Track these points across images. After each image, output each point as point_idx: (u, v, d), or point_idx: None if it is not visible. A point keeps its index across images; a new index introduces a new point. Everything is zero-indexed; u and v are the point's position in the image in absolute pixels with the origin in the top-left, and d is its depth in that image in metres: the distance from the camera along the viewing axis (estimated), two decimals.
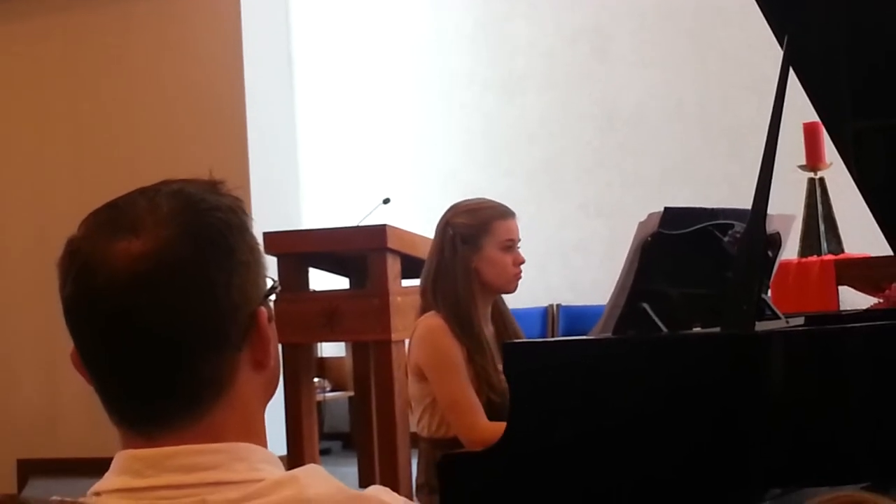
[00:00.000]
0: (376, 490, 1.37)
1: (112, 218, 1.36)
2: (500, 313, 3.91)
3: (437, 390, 3.70)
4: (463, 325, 3.72)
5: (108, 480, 1.34)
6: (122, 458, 1.35)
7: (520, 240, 3.89)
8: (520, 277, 3.86)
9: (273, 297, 1.42)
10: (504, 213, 3.87)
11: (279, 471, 1.34)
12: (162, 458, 1.32)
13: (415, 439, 3.90)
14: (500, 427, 3.12)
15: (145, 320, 1.30)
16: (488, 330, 3.83)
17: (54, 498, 1.33)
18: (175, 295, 1.31)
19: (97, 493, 1.34)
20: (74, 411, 8.24)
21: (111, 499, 1.32)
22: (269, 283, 1.42)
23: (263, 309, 1.39)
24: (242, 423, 1.36)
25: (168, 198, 1.35)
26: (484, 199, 3.96)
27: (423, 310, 3.84)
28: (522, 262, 3.86)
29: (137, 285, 1.30)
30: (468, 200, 3.96)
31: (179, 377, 1.32)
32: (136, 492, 1.31)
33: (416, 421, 3.82)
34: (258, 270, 1.39)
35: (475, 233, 3.80)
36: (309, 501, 1.29)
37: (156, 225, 1.32)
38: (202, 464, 1.31)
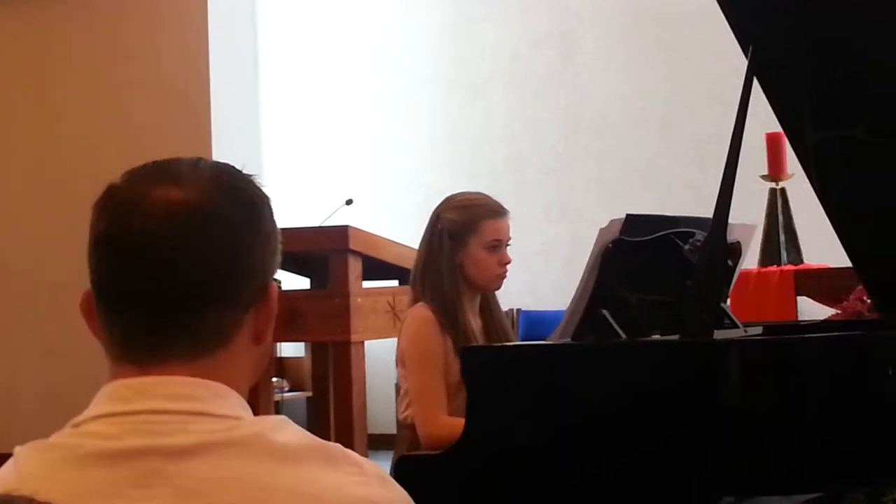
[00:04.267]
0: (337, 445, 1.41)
1: (156, 170, 1.44)
2: (488, 308, 3.95)
3: (409, 378, 3.75)
4: (449, 318, 3.77)
5: (91, 409, 1.38)
6: (111, 387, 1.38)
7: (510, 238, 3.91)
8: (503, 277, 3.89)
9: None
10: (494, 213, 3.89)
11: (252, 417, 1.40)
12: (151, 385, 1.37)
13: (398, 427, 3.94)
14: (457, 424, 3.13)
15: (172, 258, 1.37)
16: (476, 323, 3.87)
17: (17, 448, 1.36)
18: (204, 242, 1.38)
19: (76, 425, 1.36)
20: (31, 407, 8.19)
21: (92, 425, 1.35)
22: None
23: (274, 284, 1.47)
24: (231, 380, 1.41)
25: (209, 166, 1.45)
26: (479, 195, 3.98)
27: (413, 301, 3.89)
28: (508, 262, 3.88)
29: (171, 225, 1.37)
30: (462, 194, 3.99)
31: (189, 318, 1.38)
32: (118, 416, 1.35)
33: (401, 409, 3.85)
34: (276, 247, 1.48)
35: (462, 230, 3.84)
36: (273, 438, 1.34)
37: (196, 180, 1.41)
38: (187, 394, 1.36)
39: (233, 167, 1.48)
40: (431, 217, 3.92)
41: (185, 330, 1.39)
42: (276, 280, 1.48)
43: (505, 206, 3.94)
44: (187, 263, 1.38)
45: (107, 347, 1.42)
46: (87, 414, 1.37)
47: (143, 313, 1.38)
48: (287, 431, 1.36)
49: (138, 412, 1.34)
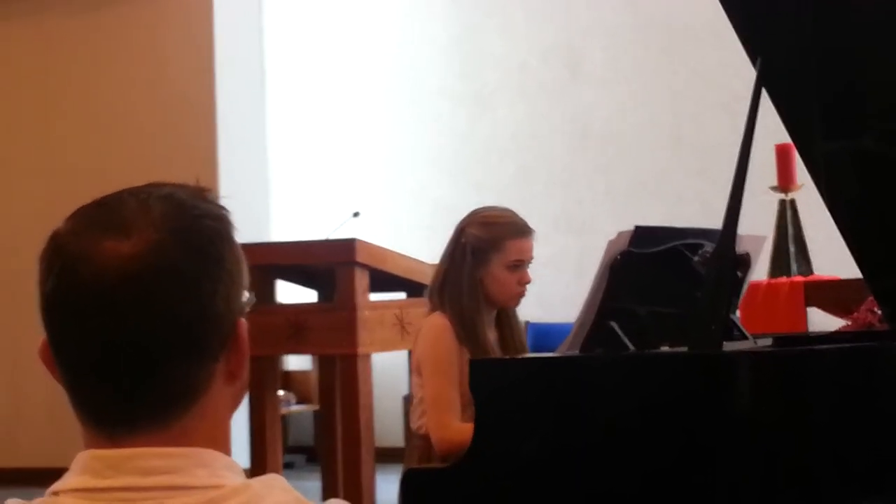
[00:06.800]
0: (334, 503, 1.35)
1: (102, 216, 1.33)
2: (507, 320, 3.95)
3: (424, 384, 3.75)
4: (467, 331, 3.76)
5: (68, 480, 1.32)
6: (83, 457, 1.32)
7: (532, 258, 3.89)
8: (522, 296, 3.88)
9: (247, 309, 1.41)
10: (519, 232, 3.86)
11: (239, 479, 1.32)
12: (123, 459, 1.29)
13: (409, 437, 3.95)
14: (470, 430, 3.11)
15: (129, 322, 1.28)
16: (492, 334, 3.87)
17: (10, 500, 1.32)
18: (162, 300, 1.28)
19: (55, 493, 1.31)
20: (36, 420, 8.18)
21: (69, 498, 1.30)
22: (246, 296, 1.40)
23: (244, 320, 1.37)
24: (210, 432, 1.34)
25: (159, 201, 1.33)
26: (505, 211, 3.94)
27: (431, 310, 3.88)
28: (528, 281, 3.87)
29: (125, 286, 1.27)
30: (489, 209, 3.96)
31: (155, 382, 1.30)
32: (94, 492, 1.29)
33: (415, 418, 3.84)
34: (241, 281, 1.37)
35: (485, 247, 3.81)
36: None
37: (147, 227, 1.30)
38: (162, 467, 1.29)
39: (185, 191, 1.36)
40: (456, 230, 3.89)
41: (153, 393, 1.30)
42: (249, 297, 1.39)
43: None
44: (147, 323, 1.28)
45: (73, 407, 1.34)
46: (65, 483, 1.32)
47: (106, 379, 1.30)
48: (274, 496, 1.30)
49: (113, 489, 1.28)
